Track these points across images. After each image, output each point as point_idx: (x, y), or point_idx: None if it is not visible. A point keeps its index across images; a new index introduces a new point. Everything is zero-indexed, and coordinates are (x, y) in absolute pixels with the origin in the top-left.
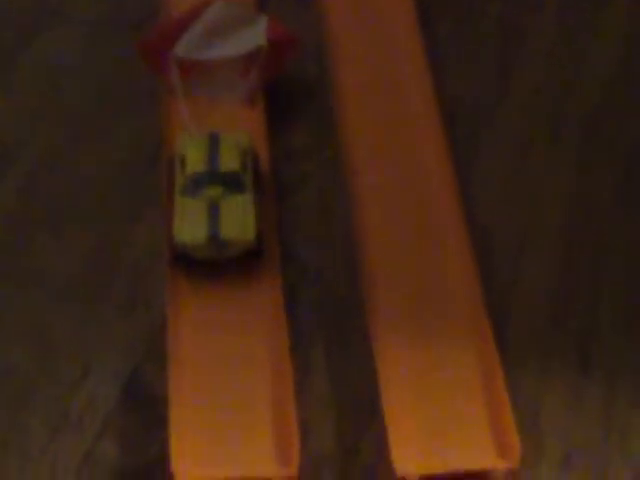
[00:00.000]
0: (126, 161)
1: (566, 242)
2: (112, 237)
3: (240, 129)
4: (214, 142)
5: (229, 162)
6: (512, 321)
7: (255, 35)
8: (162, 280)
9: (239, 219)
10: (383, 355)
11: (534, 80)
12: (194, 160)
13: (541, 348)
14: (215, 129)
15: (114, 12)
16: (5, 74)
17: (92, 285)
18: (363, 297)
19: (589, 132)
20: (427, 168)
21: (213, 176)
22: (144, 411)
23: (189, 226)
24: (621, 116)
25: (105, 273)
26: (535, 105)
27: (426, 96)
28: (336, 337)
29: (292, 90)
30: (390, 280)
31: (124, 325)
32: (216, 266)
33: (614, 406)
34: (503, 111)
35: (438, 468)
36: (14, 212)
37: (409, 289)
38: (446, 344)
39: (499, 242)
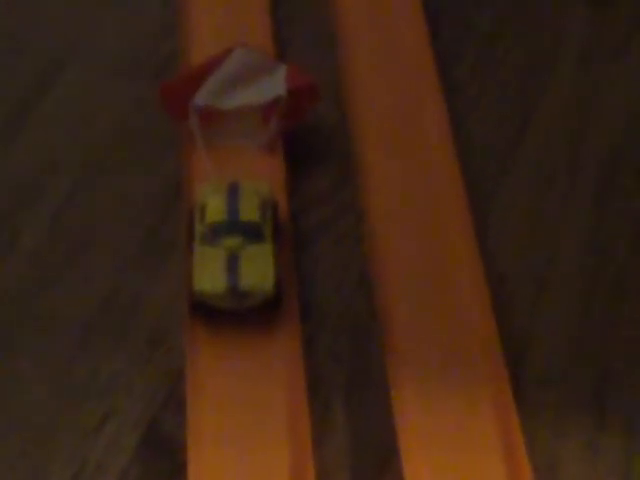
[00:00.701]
0: (145, 207)
1: (582, 289)
2: (132, 283)
3: (260, 177)
4: (234, 191)
5: (249, 212)
6: (528, 369)
7: (275, 84)
8: (181, 327)
9: (258, 269)
10: (401, 405)
11: (550, 128)
12: (214, 209)
13: (557, 397)
14: (235, 177)
15: (135, 57)
16: (25, 115)
17: (111, 331)
18: (382, 347)
19: (605, 180)
20: (445, 216)
21: (233, 225)
22: (163, 458)
23: (208, 276)
24: (638, 165)
25: (124, 319)
26: (551, 152)
27: (445, 143)
28: (354, 386)
29: (312, 137)
30: (409, 330)
31: (143, 371)
32: (235, 315)
33: (632, 457)
34: (519, 157)
35: None
36: (33, 255)
37: (428, 339)
38: (464, 395)
39: (515, 289)
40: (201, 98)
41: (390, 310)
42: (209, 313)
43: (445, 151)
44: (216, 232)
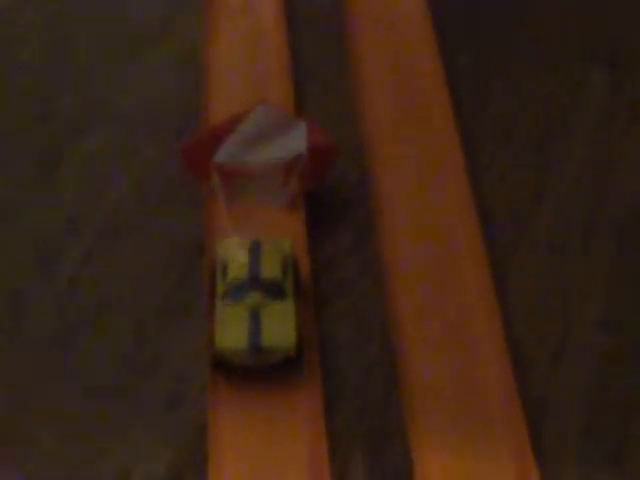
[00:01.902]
0: (168, 263)
1: (599, 356)
2: (152, 340)
3: (281, 235)
4: (255, 248)
5: (270, 269)
6: (546, 432)
7: (295, 142)
8: (202, 385)
9: (280, 327)
10: (422, 463)
11: (566, 193)
12: (235, 266)
13: (575, 461)
14: (256, 235)
15: (155, 116)
16: (50, 175)
17: (131, 390)
18: (402, 408)
19: (623, 247)
20: (465, 278)
21: (254, 283)
22: None
23: (230, 333)
24: None
25: (145, 376)
26: (567, 218)
27: (464, 204)
28: (375, 444)
29: (333, 194)
30: (429, 389)
31: (164, 429)
32: (257, 372)
33: None
34: (534, 223)
35: None
36: (51, 316)
37: (448, 401)
38: (484, 454)
39: (531, 355)
40: (222, 156)
41: (411, 369)
42: (231, 371)
43: (464, 213)
44: (238, 289)
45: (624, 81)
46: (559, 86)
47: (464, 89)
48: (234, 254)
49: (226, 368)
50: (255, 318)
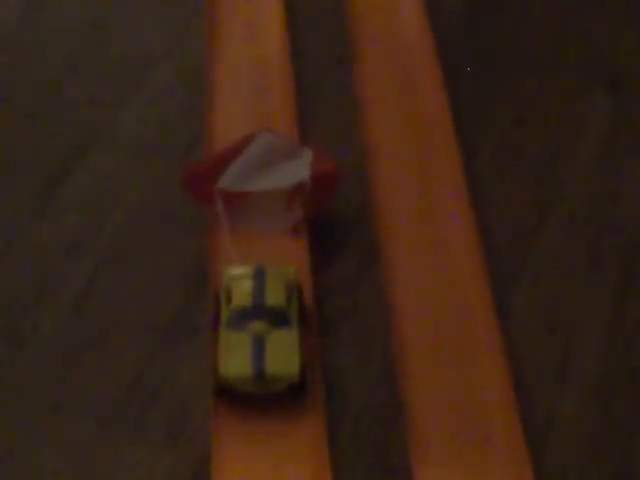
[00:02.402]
0: (171, 288)
1: (601, 384)
2: (156, 365)
3: (285, 262)
4: (260, 276)
5: (274, 296)
6: (547, 460)
7: (299, 169)
8: (206, 412)
9: (284, 354)
10: None
11: (568, 221)
12: (240, 294)
13: None
14: (260, 262)
15: (159, 140)
16: (53, 199)
17: (134, 417)
18: (405, 432)
19: (624, 275)
20: (469, 304)
21: (258, 310)
22: None
23: (234, 361)
24: None
25: (148, 404)
26: (569, 246)
27: (467, 226)
28: (377, 472)
29: (337, 221)
30: (431, 416)
31: (168, 456)
32: (260, 400)
33: None
34: (537, 251)
35: None
36: (54, 341)
37: (450, 425)
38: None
39: (533, 382)
40: (226, 182)
41: (413, 397)
42: (234, 397)
43: (467, 239)
44: (242, 316)
45: (626, 107)
46: (562, 112)
47: (466, 116)
48: (238, 281)
49: (230, 395)
50: (259, 345)
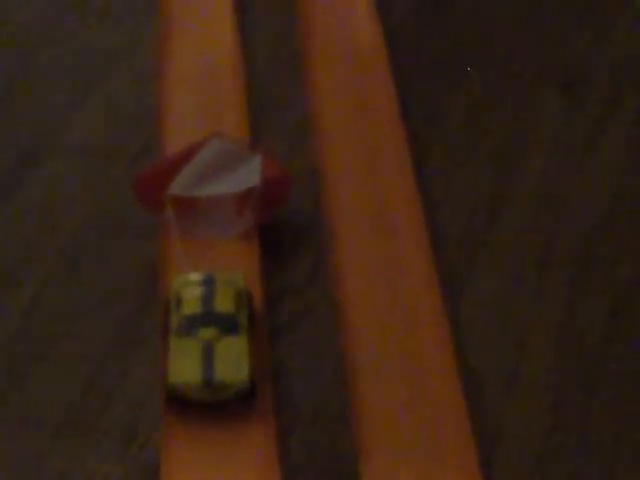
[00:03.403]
0: (122, 294)
1: (552, 384)
2: (107, 372)
3: (235, 268)
4: (209, 283)
5: (224, 303)
6: (499, 462)
7: (250, 174)
8: (156, 420)
9: (233, 361)
10: None
11: (520, 221)
12: (189, 301)
13: None
14: (210, 268)
15: (109, 146)
16: (3, 205)
17: (84, 426)
18: (355, 440)
19: (576, 275)
20: (419, 308)
21: (208, 317)
22: None
23: (183, 368)
24: (610, 252)
25: (98, 413)
26: (521, 246)
27: (417, 234)
28: (328, 478)
29: (287, 226)
30: (382, 423)
31: (119, 463)
32: (210, 407)
33: None
34: (488, 251)
35: None
36: (3, 348)
37: (401, 433)
38: None
39: (485, 383)
40: (176, 187)
41: (363, 403)
42: (184, 405)
43: (417, 243)
44: (191, 323)
45: (579, 104)
46: (515, 111)
47: (420, 114)
48: (188, 288)
49: (180, 402)
50: (208, 353)
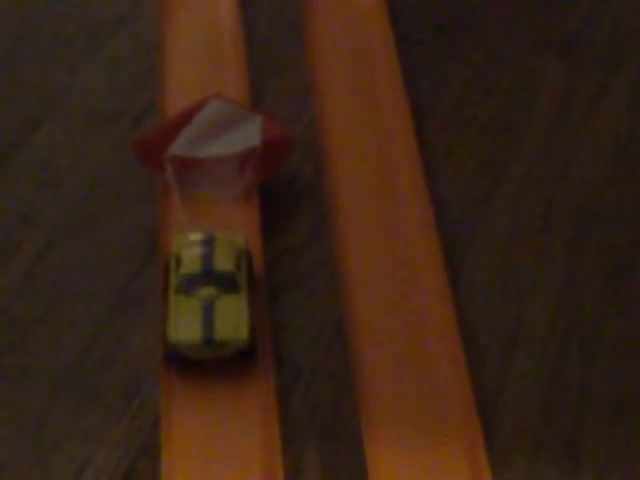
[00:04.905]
0: (123, 256)
1: (554, 344)
2: (107, 332)
3: (235, 228)
4: (209, 242)
5: (224, 262)
6: (500, 421)
7: (250, 134)
8: (156, 376)
9: (233, 320)
10: (374, 456)
11: (522, 185)
12: (189, 260)
13: (529, 446)
14: (210, 228)
15: (111, 110)
16: (3, 168)
17: (85, 383)
18: (355, 398)
19: (577, 236)
20: (420, 270)
21: (207, 276)
22: None
23: (183, 326)
24: (611, 215)
25: (99, 371)
26: (522, 209)
27: (420, 197)
28: (328, 437)
29: (287, 188)
30: (382, 381)
31: (118, 423)
32: (210, 365)
33: None
34: (490, 214)
35: None
36: (5, 310)
37: (401, 390)
38: (436, 445)
39: (486, 344)
40: (177, 148)
41: (364, 362)
42: (184, 363)
43: (420, 205)
44: (191, 282)
45: (578, 69)
46: (515, 78)
47: (421, 78)
48: (188, 247)
49: (180, 361)
50: (208, 311)
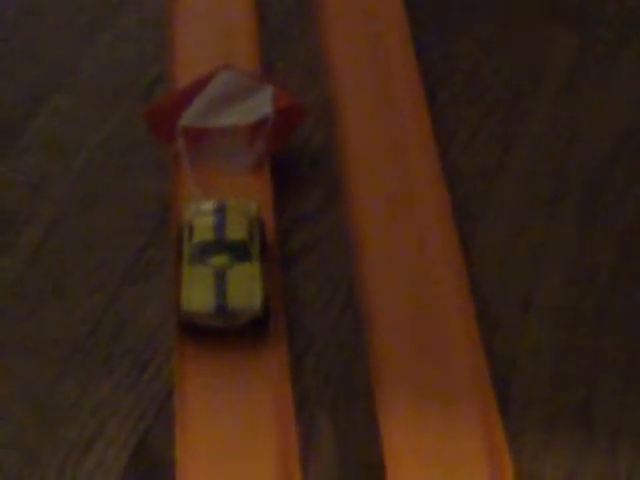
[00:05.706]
0: (134, 227)
1: (567, 307)
2: (120, 303)
3: (247, 197)
4: (221, 210)
5: (236, 231)
6: (514, 388)
7: (261, 104)
8: (170, 346)
9: (246, 288)
10: (388, 423)
11: (533, 154)
12: (201, 229)
13: (543, 413)
14: (222, 197)
15: (121, 81)
16: (14, 141)
17: (99, 352)
18: (368, 365)
19: (589, 204)
20: (432, 238)
21: (220, 245)
22: (152, 477)
23: (196, 295)
24: (621, 187)
25: (111, 339)
26: (535, 178)
27: (430, 163)
28: (341, 404)
29: (299, 158)
30: (395, 349)
31: (132, 391)
32: (223, 333)
33: (617, 470)
34: (503, 183)
35: None
36: (18, 280)
37: (414, 358)
38: (450, 412)
39: (500, 311)
40: (187, 119)
41: (376, 329)
42: (197, 332)
43: (431, 174)
44: (204, 251)
45: (590, 39)
46: (526, 47)
47: (428, 51)
48: (200, 216)
49: (193, 330)
50: (221, 280)
